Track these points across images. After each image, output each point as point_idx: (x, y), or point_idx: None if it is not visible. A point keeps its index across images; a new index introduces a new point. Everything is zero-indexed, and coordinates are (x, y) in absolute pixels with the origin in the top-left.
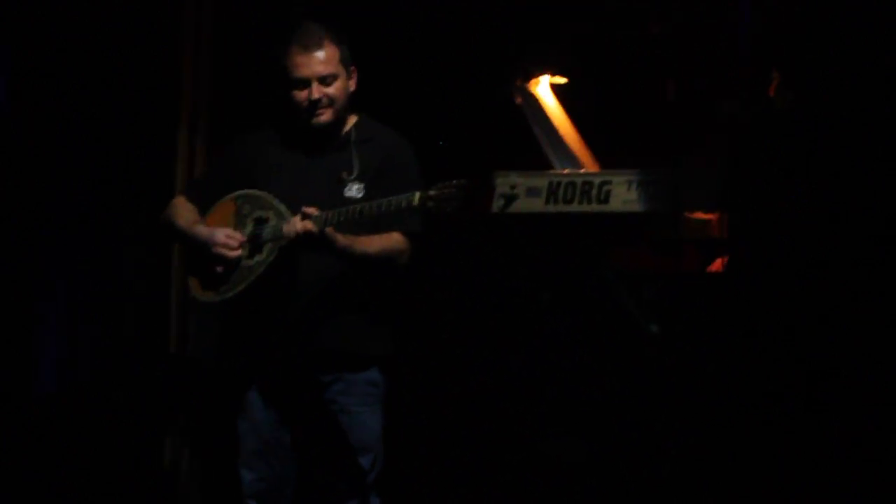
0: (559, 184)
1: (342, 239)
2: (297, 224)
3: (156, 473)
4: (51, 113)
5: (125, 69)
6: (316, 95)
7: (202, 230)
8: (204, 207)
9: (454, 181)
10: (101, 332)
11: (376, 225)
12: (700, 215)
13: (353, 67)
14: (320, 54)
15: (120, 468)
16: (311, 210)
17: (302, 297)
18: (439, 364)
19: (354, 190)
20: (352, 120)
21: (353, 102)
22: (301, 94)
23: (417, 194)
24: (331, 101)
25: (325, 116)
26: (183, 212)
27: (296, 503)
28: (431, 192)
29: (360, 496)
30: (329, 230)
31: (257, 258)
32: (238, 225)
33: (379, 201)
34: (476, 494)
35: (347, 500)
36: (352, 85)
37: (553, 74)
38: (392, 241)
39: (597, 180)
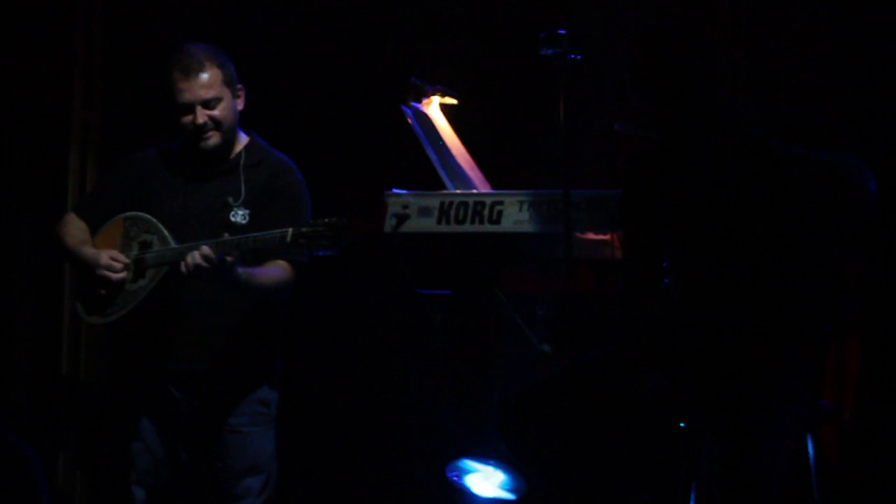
0: (451, 203)
1: (241, 272)
2: (196, 255)
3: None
4: None
5: (16, 84)
6: (200, 120)
7: (88, 251)
8: (95, 225)
9: (326, 219)
10: None
11: (257, 253)
12: (593, 236)
13: (239, 86)
14: (202, 77)
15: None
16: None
17: (186, 322)
18: (333, 384)
19: (240, 216)
20: (242, 142)
21: (243, 120)
22: (186, 119)
23: (290, 231)
24: (216, 124)
25: (213, 140)
26: (72, 230)
27: None
28: (304, 230)
29: None
30: (230, 259)
31: (140, 283)
32: (125, 247)
33: (254, 235)
34: None
35: None
36: (239, 104)
37: (444, 95)
38: (280, 270)
39: (489, 200)
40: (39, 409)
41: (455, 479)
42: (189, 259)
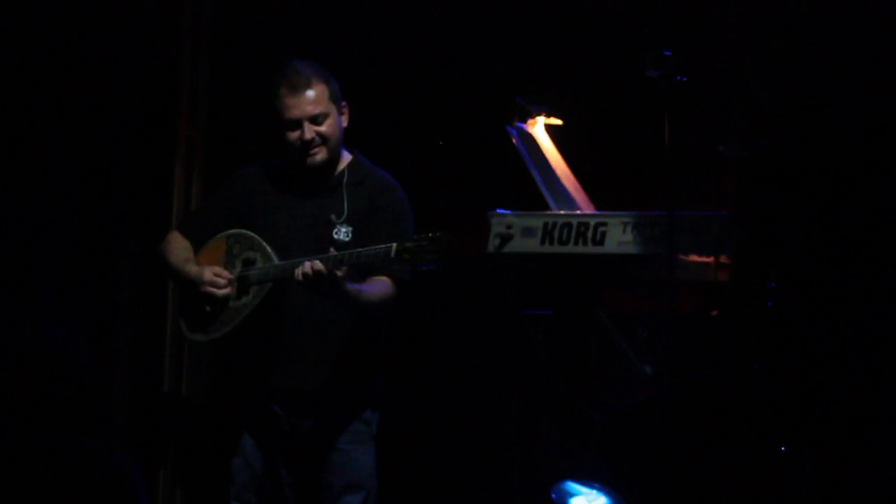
0: (555, 224)
1: (350, 287)
2: (308, 267)
3: None
4: (51, 144)
5: (123, 101)
6: (308, 136)
7: (192, 269)
8: (198, 243)
9: (431, 234)
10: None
11: (361, 269)
12: (696, 258)
13: (343, 104)
14: (310, 94)
15: None
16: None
17: (289, 339)
18: (434, 404)
19: (343, 233)
20: (345, 160)
21: (347, 139)
22: (293, 135)
23: (394, 246)
24: (323, 140)
25: (320, 156)
26: (176, 248)
27: None
28: (408, 245)
29: None
30: (340, 273)
31: (244, 300)
32: (228, 264)
33: (359, 251)
34: None
35: None
36: (344, 121)
37: (549, 115)
38: (384, 285)
39: (592, 221)
40: (141, 426)
41: (559, 501)
42: (302, 271)
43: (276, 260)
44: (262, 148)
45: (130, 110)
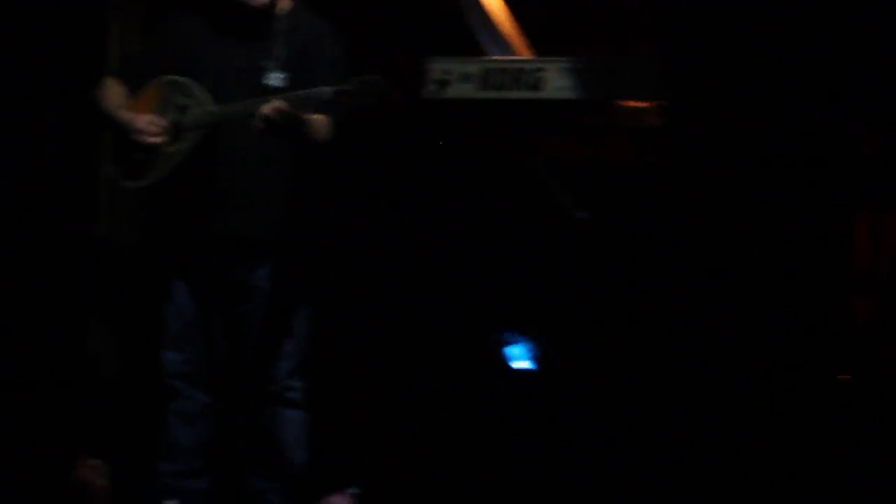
0: (492, 70)
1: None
2: (272, 106)
3: (79, 358)
4: None
5: None
6: None
7: (125, 114)
8: (133, 89)
9: (366, 77)
10: (25, 208)
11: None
12: (634, 103)
13: None
14: None
15: (39, 350)
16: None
17: (224, 185)
18: (367, 252)
19: (277, 79)
20: (282, 4)
21: None
22: None
23: (332, 89)
24: None
25: None
26: (110, 94)
27: (220, 387)
28: (345, 87)
29: (286, 379)
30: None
31: (178, 145)
32: (162, 111)
33: (296, 93)
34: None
35: (270, 384)
36: None
37: None
38: (328, 123)
39: (530, 67)
40: (71, 271)
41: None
42: (265, 112)
43: (212, 106)
44: None
45: None
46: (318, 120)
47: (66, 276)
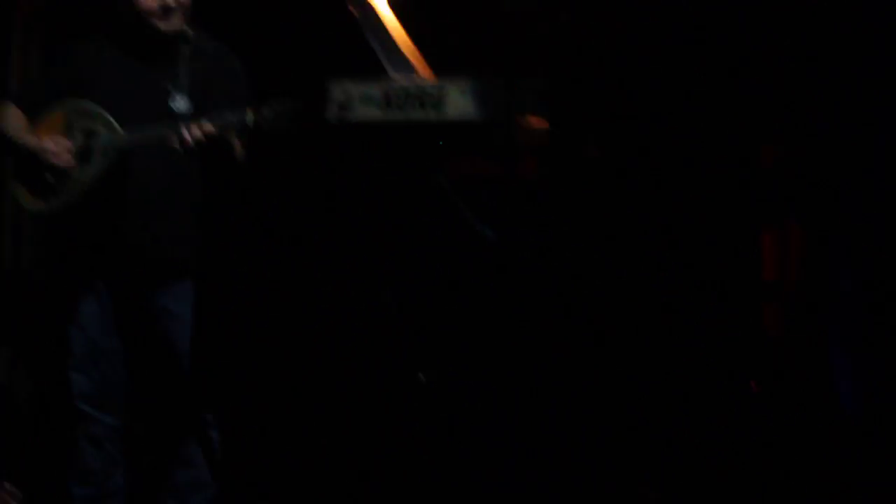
0: (394, 92)
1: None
2: (194, 129)
3: None
4: None
5: None
6: (171, 2)
7: (30, 139)
8: (34, 115)
9: (287, 100)
10: None
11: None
12: (537, 123)
13: None
14: None
15: None
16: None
17: (133, 207)
18: (275, 273)
19: (181, 103)
20: (182, 30)
21: None
22: (150, 1)
23: (251, 113)
24: (180, 6)
25: (175, 23)
26: (11, 119)
27: (128, 408)
28: (265, 111)
29: (191, 400)
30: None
31: (87, 169)
32: (68, 135)
33: (211, 116)
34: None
35: (187, 403)
36: None
37: None
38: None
39: (432, 88)
40: None
41: None
42: (192, 134)
43: (119, 130)
44: (102, 19)
45: None
46: (237, 143)
47: None
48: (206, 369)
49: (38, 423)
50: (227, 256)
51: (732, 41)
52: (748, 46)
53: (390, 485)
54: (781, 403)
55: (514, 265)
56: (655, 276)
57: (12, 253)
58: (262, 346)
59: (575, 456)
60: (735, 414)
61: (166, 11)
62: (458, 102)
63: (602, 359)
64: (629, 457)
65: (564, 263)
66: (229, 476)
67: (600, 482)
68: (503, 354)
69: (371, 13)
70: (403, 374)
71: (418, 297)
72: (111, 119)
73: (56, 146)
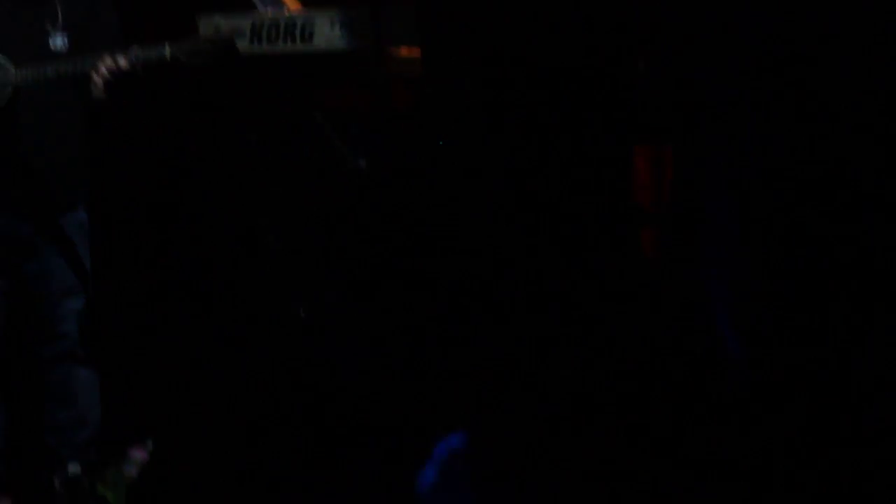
0: (263, 24)
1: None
2: (109, 61)
3: None
4: None
5: None
6: None
7: None
8: None
9: (202, 35)
10: None
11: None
12: (406, 52)
13: None
14: None
15: None
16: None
17: (8, 139)
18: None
19: (59, 42)
20: None
21: None
22: None
23: (168, 48)
24: None
25: None
26: None
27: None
28: (183, 46)
29: (71, 337)
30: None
31: None
32: None
33: (129, 53)
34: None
35: (59, 342)
36: None
37: None
38: None
39: (300, 20)
40: None
41: None
42: (105, 67)
43: (8, 65)
44: None
45: None
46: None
47: None
48: (90, 306)
49: None
50: (115, 191)
51: None
52: None
53: (271, 423)
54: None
55: (387, 195)
56: (529, 206)
57: None
58: (149, 281)
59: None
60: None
61: None
62: (327, 33)
63: (476, 290)
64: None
65: (440, 194)
66: (113, 414)
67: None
68: (373, 284)
69: None
70: (285, 308)
71: (294, 229)
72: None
73: None
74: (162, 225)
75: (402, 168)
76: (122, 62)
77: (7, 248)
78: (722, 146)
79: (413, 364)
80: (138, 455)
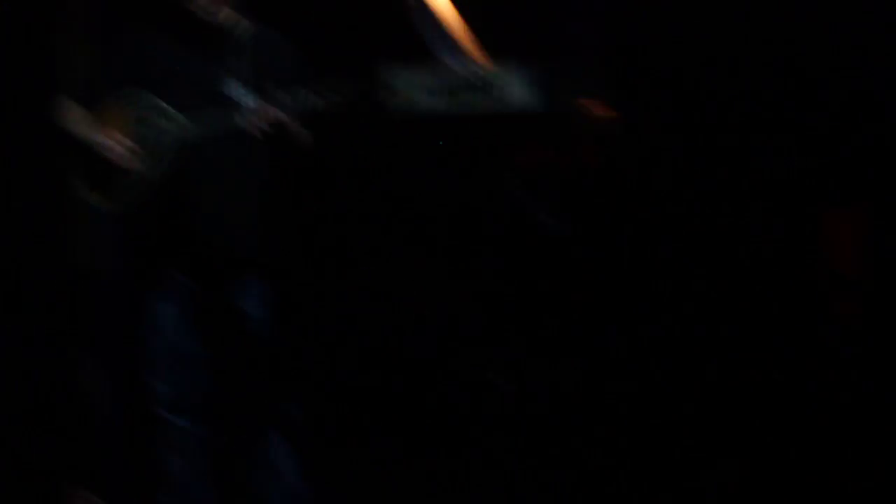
0: (454, 83)
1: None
2: (264, 112)
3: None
4: None
5: None
6: None
7: (93, 135)
8: (92, 110)
9: (351, 82)
10: None
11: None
12: (597, 111)
13: None
14: None
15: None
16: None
17: (204, 200)
18: (343, 269)
19: (241, 93)
20: (237, 23)
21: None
22: None
23: (327, 92)
24: None
25: (222, 7)
26: (71, 116)
27: (207, 411)
28: (331, 93)
29: (282, 404)
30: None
31: (153, 163)
32: (131, 129)
33: (281, 102)
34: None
35: (270, 409)
36: None
37: None
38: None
39: (491, 78)
40: (46, 300)
41: None
42: (260, 121)
43: (182, 120)
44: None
45: None
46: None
47: (42, 306)
48: (289, 370)
49: (119, 430)
50: (299, 251)
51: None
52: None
53: None
54: None
55: (578, 253)
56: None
57: (83, 253)
58: (344, 343)
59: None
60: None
61: None
62: (517, 90)
63: (666, 348)
64: None
65: (629, 253)
66: (322, 482)
67: None
68: (567, 340)
69: (428, 3)
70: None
71: (486, 287)
72: (173, 110)
73: (119, 142)
74: (353, 285)
75: (591, 225)
76: (271, 114)
77: (207, 312)
78: None
79: None
80: None
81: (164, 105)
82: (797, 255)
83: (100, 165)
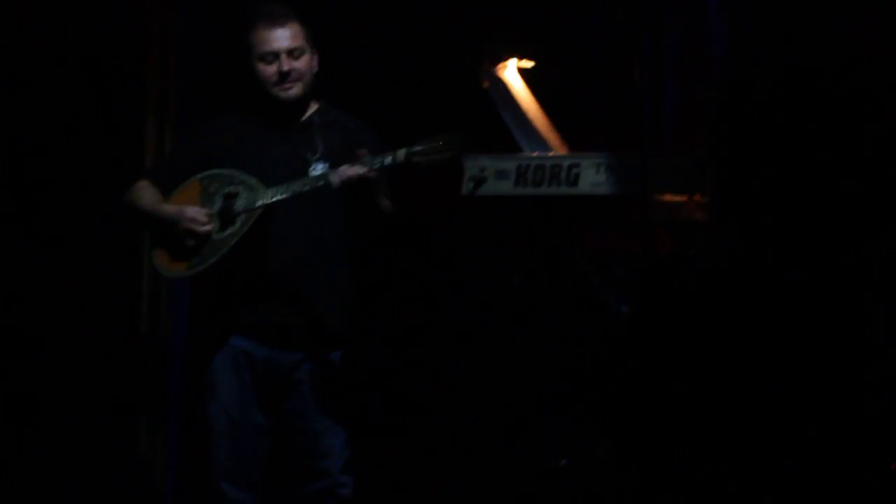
0: (528, 166)
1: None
2: (348, 170)
3: (131, 460)
4: (19, 98)
5: (91, 53)
6: (286, 67)
7: (169, 208)
8: (167, 189)
9: (441, 135)
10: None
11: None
12: (671, 197)
13: (314, 50)
14: (288, 28)
15: (95, 457)
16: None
17: (276, 270)
18: (412, 348)
19: (319, 169)
20: (314, 105)
21: (314, 89)
22: (269, 69)
23: (404, 150)
24: (299, 75)
25: (295, 90)
26: (145, 194)
27: (269, 485)
28: (417, 148)
29: (338, 475)
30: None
31: (230, 230)
32: (205, 203)
33: (369, 158)
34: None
35: (320, 480)
36: (314, 65)
37: (520, 58)
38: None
39: (565, 163)
40: (119, 369)
41: None
42: (345, 176)
43: (262, 188)
44: (235, 99)
45: (100, 61)
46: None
47: (114, 375)
48: (346, 444)
49: (180, 500)
50: (373, 325)
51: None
52: None
53: None
54: None
55: (650, 342)
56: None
57: (151, 320)
58: (409, 416)
59: None
60: None
61: (283, 77)
62: (593, 177)
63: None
64: None
65: (701, 343)
66: None
67: None
68: (641, 430)
69: (504, 88)
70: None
71: (554, 372)
72: (252, 180)
73: (194, 212)
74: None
75: (665, 315)
76: (358, 169)
77: (269, 383)
78: None
79: None
80: None
81: (242, 174)
82: None
83: (173, 235)
